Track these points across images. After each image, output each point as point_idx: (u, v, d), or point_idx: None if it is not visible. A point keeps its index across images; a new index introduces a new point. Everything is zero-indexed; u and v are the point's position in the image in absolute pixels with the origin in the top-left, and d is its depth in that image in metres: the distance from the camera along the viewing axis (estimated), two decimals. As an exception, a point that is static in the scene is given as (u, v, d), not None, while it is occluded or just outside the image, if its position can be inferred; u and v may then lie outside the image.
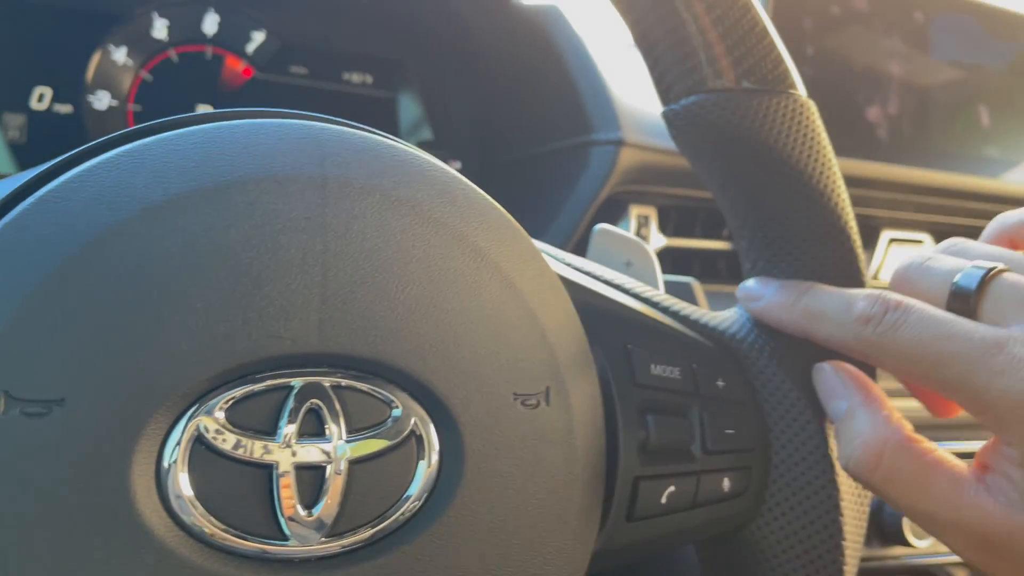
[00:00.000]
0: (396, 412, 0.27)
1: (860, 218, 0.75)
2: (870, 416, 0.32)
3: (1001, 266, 0.31)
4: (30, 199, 0.25)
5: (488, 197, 0.31)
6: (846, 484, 0.37)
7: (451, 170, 0.30)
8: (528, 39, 0.66)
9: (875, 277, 0.75)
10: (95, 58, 0.67)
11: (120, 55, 0.67)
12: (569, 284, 0.33)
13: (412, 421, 0.27)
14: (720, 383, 0.36)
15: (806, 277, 0.37)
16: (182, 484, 0.24)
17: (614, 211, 0.64)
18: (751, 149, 0.36)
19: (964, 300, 0.31)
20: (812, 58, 0.67)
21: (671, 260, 0.69)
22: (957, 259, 0.33)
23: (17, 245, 0.24)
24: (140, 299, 0.24)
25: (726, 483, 0.35)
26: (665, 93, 0.37)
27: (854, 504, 0.37)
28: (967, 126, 0.75)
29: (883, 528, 0.63)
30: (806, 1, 0.67)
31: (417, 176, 0.28)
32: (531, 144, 0.69)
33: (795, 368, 0.37)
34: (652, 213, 0.65)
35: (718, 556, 0.39)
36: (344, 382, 0.26)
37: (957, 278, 0.31)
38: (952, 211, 0.78)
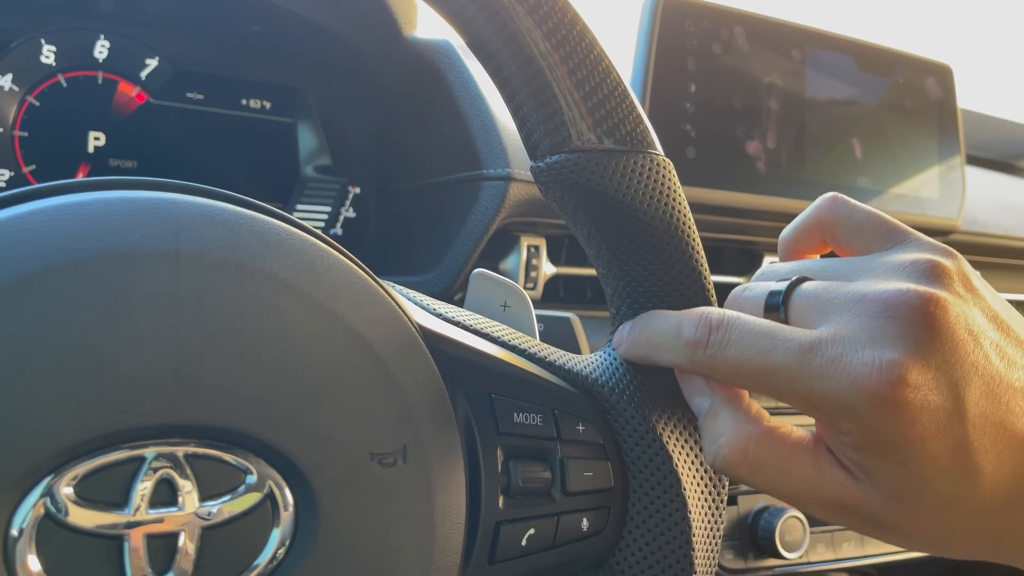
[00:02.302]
0: (250, 479, 0.28)
1: (743, 244, 0.80)
2: (731, 413, 0.34)
3: (796, 277, 0.35)
4: None
5: (347, 262, 0.31)
6: (698, 520, 0.39)
7: (310, 237, 0.31)
8: (422, 73, 0.67)
9: (757, 300, 0.79)
10: (-22, 84, 0.65)
11: (5, 81, 0.66)
12: (436, 337, 0.34)
13: (267, 485, 0.28)
14: (580, 427, 0.38)
15: None
16: (30, 562, 0.24)
17: (506, 242, 0.66)
18: (612, 206, 0.37)
19: (776, 316, 0.34)
20: (695, 95, 0.71)
21: (563, 287, 0.71)
22: (767, 282, 0.36)
23: None
24: None
25: (585, 522, 0.37)
26: (532, 150, 0.38)
27: (705, 538, 0.39)
28: (841, 158, 0.79)
29: (758, 542, 0.66)
30: (688, 40, 0.70)
31: (273, 246, 0.29)
32: (426, 174, 0.70)
33: (650, 408, 0.39)
34: (542, 243, 0.67)
35: None
36: (198, 451, 0.27)
37: (767, 298, 0.35)
38: (829, 237, 0.83)
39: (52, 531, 0.25)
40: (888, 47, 0.83)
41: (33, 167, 0.67)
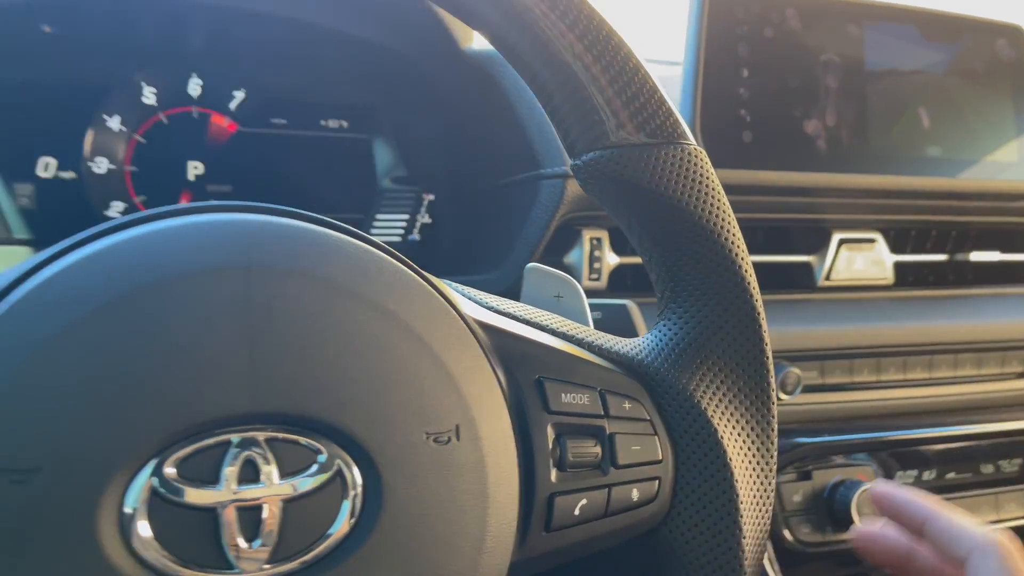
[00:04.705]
0: (321, 458, 0.31)
1: (811, 222, 0.80)
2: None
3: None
4: (11, 296, 0.30)
5: (399, 264, 0.35)
6: (745, 488, 0.41)
7: (364, 244, 0.35)
8: (480, 82, 0.71)
9: (827, 278, 0.80)
10: (91, 128, 0.74)
11: (114, 123, 0.74)
12: (485, 327, 0.37)
13: (336, 464, 0.32)
14: (627, 405, 0.40)
15: (702, 311, 0.41)
16: (142, 530, 0.29)
17: (569, 236, 0.70)
18: (648, 197, 0.39)
19: None
20: (748, 79, 0.72)
21: (630, 276, 0.74)
22: None
23: (6, 328, 0.29)
24: (100, 381, 0.29)
25: (635, 493, 0.39)
26: (570, 149, 0.40)
27: (754, 506, 0.41)
28: (907, 129, 0.79)
29: (834, 515, 0.67)
30: (738, 27, 0.72)
31: (333, 255, 0.33)
32: (490, 177, 0.74)
33: (695, 384, 0.41)
34: (604, 235, 0.70)
35: (632, 558, 0.43)
36: (276, 435, 0.31)
37: None
38: (901, 210, 0.82)
39: (159, 505, 0.29)
40: (952, 12, 0.82)
41: (143, 198, 0.75)
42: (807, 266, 0.80)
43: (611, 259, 0.71)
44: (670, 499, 0.41)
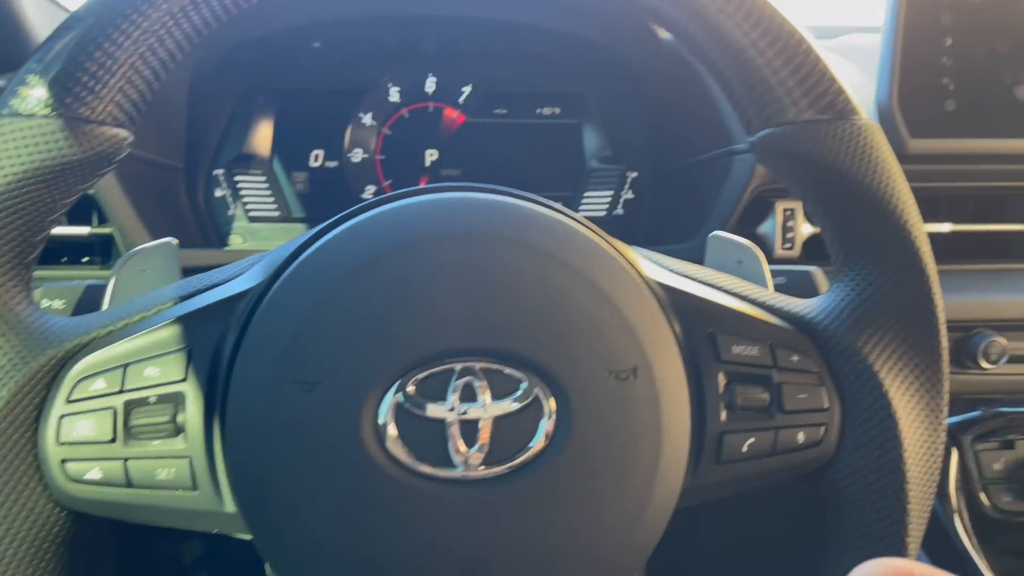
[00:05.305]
0: (523, 385, 0.38)
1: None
2: None
3: None
4: (301, 255, 0.39)
5: (586, 230, 0.41)
6: (910, 440, 0.42)
7: (562, 217, 0.41)
8: (677, 68, 0.77)
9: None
10: (350, 124, 0.88)
11: (368, 119, 0.88)
12: (666, 287, 0.42)
13: (535, 392, 0.38)
14: (795, 357, 0.43)
15: (873, 275, 0.43)
16: (391, 433, 0.37)
17: (762, 208, 0.74)
18: (821, 170, 0.41)
19: None
20: (951, 48, 0.72)
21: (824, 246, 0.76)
22: None
23: (296, 282, 0.38)
24: (363, 321, 0.37)
25: (801, 436, 0.42)
26: (747, 126, 0.43)
27: (920, 457, 0.43)
28: None
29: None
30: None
31: (533, 225, 0.40)
32: (687, 154, 0.80)
33: (863, 340, 0.43)
34: (797, 206, 0.73)
35: (798, 498, 0.47)
36: (489, 365, 0.38)
37: None
38: None
39: (403, 415, 0.38)
40: None
41: (390, 181, 0.89)
42: (1021, 235, 0.78)
43: (805, 229, 0.74)
44: (835, 445, 0.43)
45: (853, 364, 0.43)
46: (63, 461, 0.38)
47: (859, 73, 0.77)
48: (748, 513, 0.71)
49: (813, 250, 0.75)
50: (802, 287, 0.60)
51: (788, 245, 0.73)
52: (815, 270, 0.61)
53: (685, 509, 0.42)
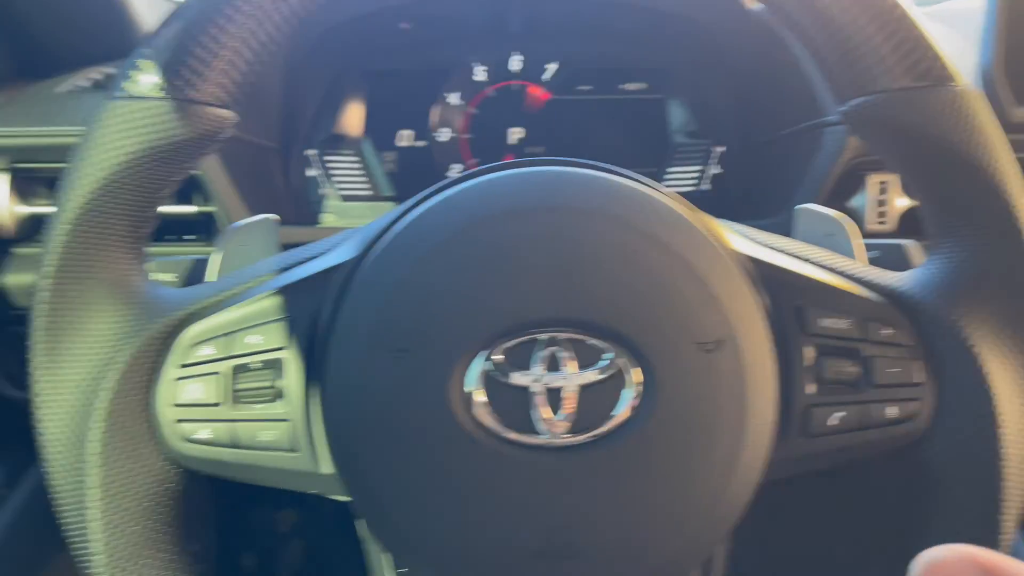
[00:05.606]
0: (608, 356, 0.38)
1: None
2: None
3: None
4: (393, 228, 0.40)
5: (672, 203, 0.41)
6: (1009, 420, 0.41)
7: (647, 190, 0.41)
8: (765, 38, 0.75)
9: None
10: (437, 104, 0.90)
11: (454, 99, 0.90)
12: (753, 259, 0.42)
13: (619, 361, 0.38)
14: (887, 331, 0.42)
15: (973, 247, 0.42)
16: (479, 399, 0.38)
17: (854, 182, 0.72)
18: (918, 139, 0.40)
19: None
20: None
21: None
22: None
23: (387, 255, 0.39)
24: (453, 291, 0.38)
25: (892, 411, 0.42)
26: (838, 95, 0.41)
27: (1019, 432, 0.41)
28: None
29: None
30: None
31: (618, 196, 0.40)
32: (776, 127, 0.78)
33: (961, 313, 0.42)
34: (893, 179, 0.71)
35: (888, 474, 0.45)
36: (574, 336, 0.38)
37: None
38: None
39: (490, 383, 0.39)
40: None
41: (476, 160, 0.91)
42: None
43: (900, 202, 0.72)
44: (929, 421, 0.43)
45: (949, 338, 0.42)
46: (176, 422, 0.41)
47: (960, 40, 0.74)
48: (833, 492, 0.69)
49: (909, 225, 0.73)
50: (896, 261, 0.58)
51: (882, 219, 0.71)
52: (910, 244, 0.59)
53: (771, 483, 0.41)
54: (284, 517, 1.09)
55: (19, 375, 0.71)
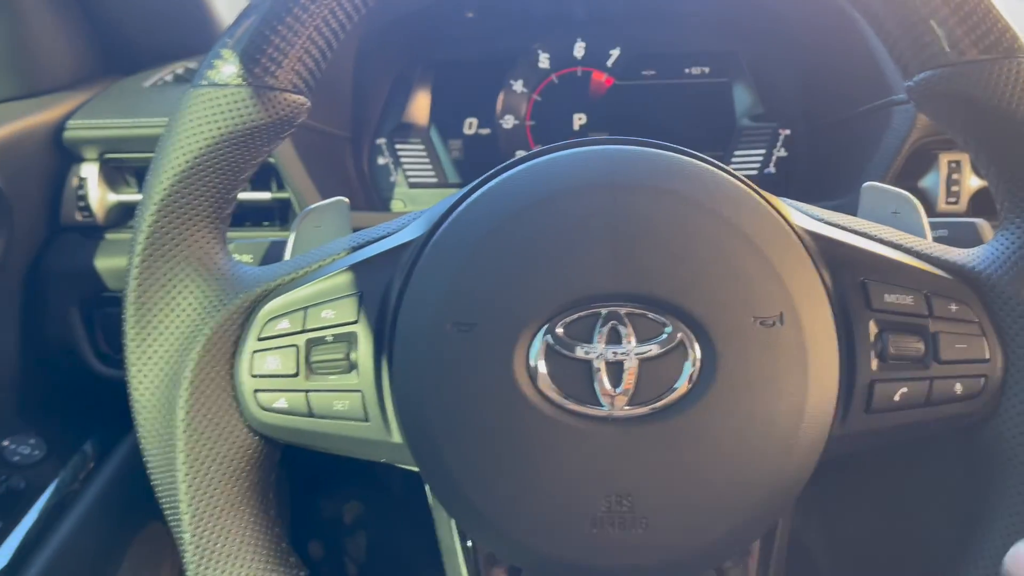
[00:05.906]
0: (668, 329, 0.39)
1: None
2: None
3: None
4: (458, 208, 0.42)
5: (734, 180, 0.41)
6: None
7: (707, 165, 0.41)
8: (831, 18, 0.74)
9: None
10: (502, 92, 0.92)
11: (518, 86, 0.91)
12: (815, 235, 0.42)
13: (679, 335, 0.39)
14: (953, 307, 0.42)
15: None
16: (542, 372, 0.39)
17: (924, 161, 0.70)
18: (985, 113, 0.39)
19: None
20: None
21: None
22: None
23: (454, 232, 0.41)
24: (518, 267, 0.39)
25: (958, 387, 0.42)
26: (904, 70, 0.41)
27: None
28: None
29: None
30: None
31: (679, 173, 0.41)
32: (844, 108, 0.77)
33: None
34: (964, 158, 0.69)
35: (954, 452, 0.46)
36: (634, 310, 0.39)
37: None
38: None
39: (552, 356, 0.40)
40: None
41: (540, 147, 0.91)
42: None
43: (973, 182, 0.70)
44: (997, 398, 0.42)
45: (1018, 314, 0.42)
46: (256, 391, 0.44)
47: (1035, 12, 0.72)
48: (898, 471, 0.68)
49: (981, 205, 0.71)
50: (966, 240, 0.57)
51: (953, 199, 0.70)
52: (980, 222, 0.58)
53: (835, 460, 0.41)
54: (350, 509, 1.12)
55: (110, 354, 0.75)
